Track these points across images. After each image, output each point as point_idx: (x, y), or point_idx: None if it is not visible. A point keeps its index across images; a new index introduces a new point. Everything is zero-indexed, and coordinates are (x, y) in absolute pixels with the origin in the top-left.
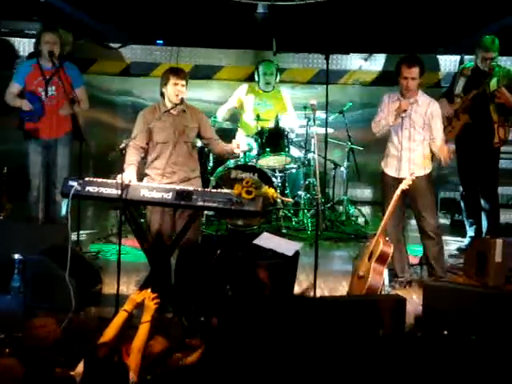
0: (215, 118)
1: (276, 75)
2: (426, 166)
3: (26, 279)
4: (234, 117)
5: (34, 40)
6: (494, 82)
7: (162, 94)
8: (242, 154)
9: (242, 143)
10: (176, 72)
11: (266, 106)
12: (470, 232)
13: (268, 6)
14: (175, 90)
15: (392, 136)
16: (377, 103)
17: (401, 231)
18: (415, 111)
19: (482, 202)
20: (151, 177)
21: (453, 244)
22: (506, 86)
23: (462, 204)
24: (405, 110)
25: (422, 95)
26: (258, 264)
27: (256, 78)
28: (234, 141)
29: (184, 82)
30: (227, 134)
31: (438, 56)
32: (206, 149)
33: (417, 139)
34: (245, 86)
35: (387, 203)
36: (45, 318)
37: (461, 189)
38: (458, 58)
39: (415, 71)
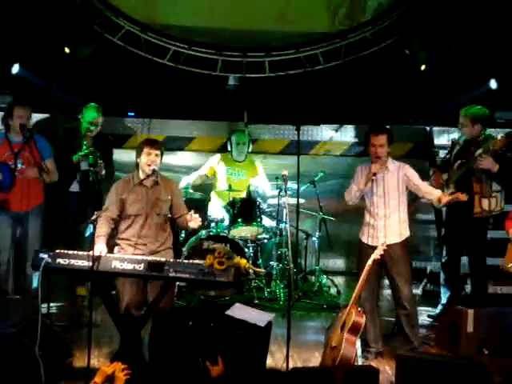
0: (187, 188)
1: (248, 145)
2: (402, 232)
3: None
4: (206, 187)
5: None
6: (479, 152)
7: (137, 165)
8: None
9: (196, 219)
10: (150, 142)
11: (239, 176)
12: (444, 299)
13: (239, 78)
14: (148, 159)
15: (367, 204)
16: (348, 174)
17: (375, 301)
18: (387, 178)
19: (470, 270)
20: (121, 246)
21: (424, 314)
22: (489, 152)
23: (442, 273)
24: (374, 174)
25: (391, 162)
26: None
27: (229, 148)
28: (190, 213)
29: (158, 152)
30: (199, 205)
31: (408, 127)
32: None
33: (392, 205)
34: (217, 156)
35: (362, 272)
36: None
37: (443, 256)
38: (427, 128)
39: (382, 138)
